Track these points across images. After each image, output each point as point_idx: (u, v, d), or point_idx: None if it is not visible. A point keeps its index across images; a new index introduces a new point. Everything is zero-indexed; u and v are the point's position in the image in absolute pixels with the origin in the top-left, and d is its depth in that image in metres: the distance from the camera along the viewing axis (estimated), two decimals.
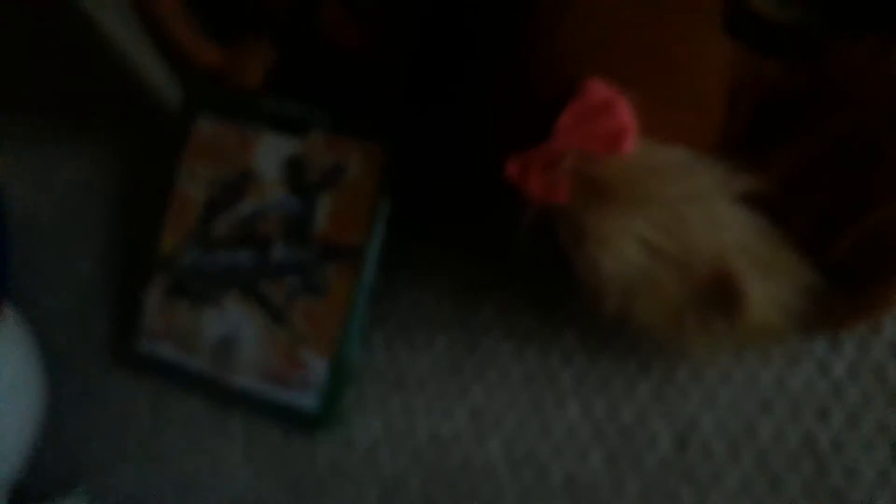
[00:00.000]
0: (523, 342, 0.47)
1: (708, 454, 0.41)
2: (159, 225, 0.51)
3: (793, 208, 0.36)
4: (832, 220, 0.37)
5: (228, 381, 0.48)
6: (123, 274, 0.56)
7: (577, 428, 0.44)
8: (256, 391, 0.47)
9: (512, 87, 0.34)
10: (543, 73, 0.32)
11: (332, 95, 0.49)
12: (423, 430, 0.46)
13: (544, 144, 0.31)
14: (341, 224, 0.47)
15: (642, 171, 0.31)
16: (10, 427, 0.48)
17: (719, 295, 0.36)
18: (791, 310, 0.35)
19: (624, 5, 0.32)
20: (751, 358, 0.43)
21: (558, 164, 0.32)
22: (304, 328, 0.46)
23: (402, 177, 0.47)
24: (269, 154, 0.49)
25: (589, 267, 0.35)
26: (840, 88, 0.37)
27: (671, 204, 0.33)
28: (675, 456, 0.42)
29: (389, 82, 0.53)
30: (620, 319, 0.39)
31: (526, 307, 0.48)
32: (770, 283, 0.36)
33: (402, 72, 0.51)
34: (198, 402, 0.50)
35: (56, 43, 0.51)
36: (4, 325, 0.47)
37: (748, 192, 0.34)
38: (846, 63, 0.37)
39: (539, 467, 0.43)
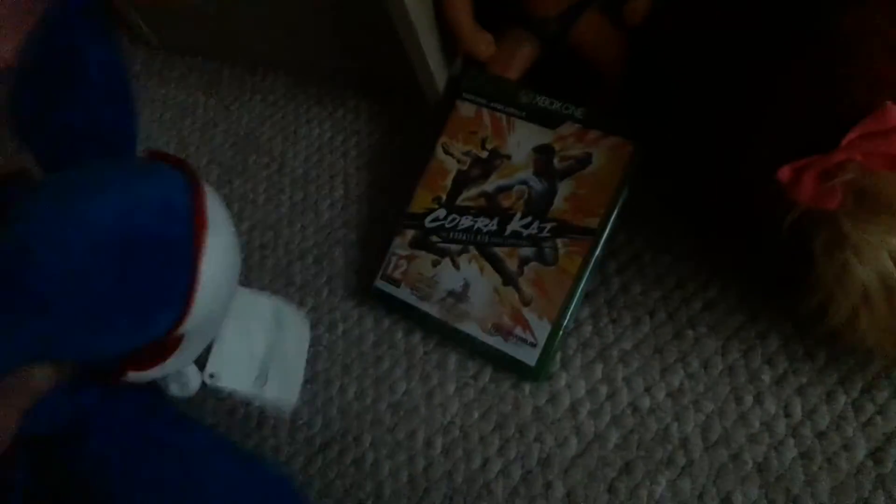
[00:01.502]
0: (728, 340, 0.51)
1: None
2: (411, 188, 0.59)
3: None
4: None
5: (455, 326, 0.55)
6: (361, 224, 0.65)
7: (773, 423, 0.48)
8: (479, 338, 0.54)
9: (797, 106, 0.39)
10: (837, 94, 0.37)
11: (584, 95, 0.56)
12: (623, 399, 0.51)
13: (828, 154, 0.36)
14: (578, 207, 0.53)
15: None
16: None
17: None
18: None
19: None
20: None
21: (836, 175, 0.36)
22: (532, 292, 0.53)
23: (641, 172, 0.52)
24: (521, 140, 0.56)
25: (839, 271, 0.39)
26: None
27: None
28: (871, 465, 0.45)
29: (638, 90, 0.59)
30: (842, 329, 0.43)
31: (733, 309, 0.52)
32: None
33: (650, 81, 0.57)
34: (420, 339, 0.58)
35: (354, 12, 0.59)
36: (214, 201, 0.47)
37: None
38: None
39: (734, 450, 0.48)
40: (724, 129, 0.46)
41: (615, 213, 0.52)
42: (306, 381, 0.59)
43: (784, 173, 0.38)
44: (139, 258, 0.41)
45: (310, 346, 0.60)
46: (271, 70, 0.78)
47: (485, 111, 0.58)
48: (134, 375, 0.48)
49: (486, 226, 0.56)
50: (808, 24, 0.39)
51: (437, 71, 0.59)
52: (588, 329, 0.55)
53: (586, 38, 0.57)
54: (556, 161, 0.55)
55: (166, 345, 0.47)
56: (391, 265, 0.58)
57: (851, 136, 0.36)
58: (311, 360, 0.60)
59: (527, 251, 0.54)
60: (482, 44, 0.58)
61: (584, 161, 0.54)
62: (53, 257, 0.38)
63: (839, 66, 0.37)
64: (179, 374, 0.52)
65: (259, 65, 0.79)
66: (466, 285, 0.55)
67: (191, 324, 0.46)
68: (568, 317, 0.52)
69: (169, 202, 0.43)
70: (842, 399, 0.47)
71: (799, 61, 0.39)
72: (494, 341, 0.54)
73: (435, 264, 0.57)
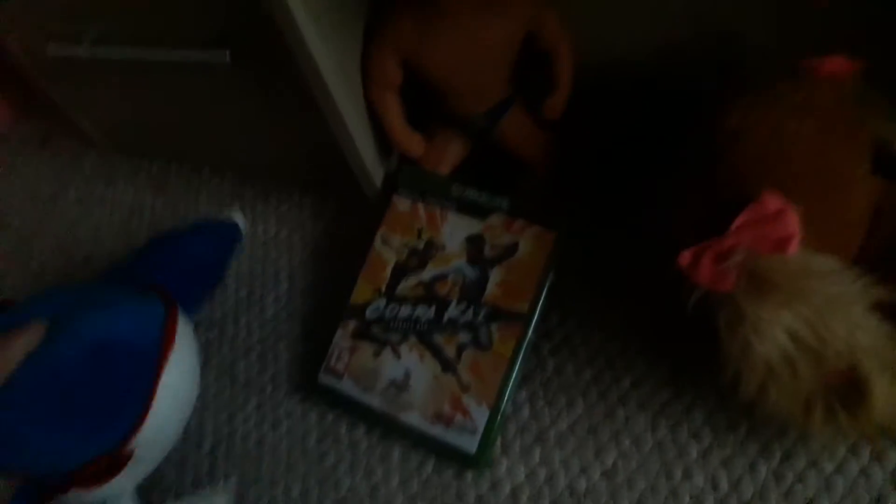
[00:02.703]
0: (656, 416, 0.53)
1: None
2: (353, 278, 0.61)
3: None
4: None
5: (397, 417, 0.56)
6: (305, 318, 0.67)
7: (702, 497, 0.49)
8: (422, 429, 0.55)
9: (692, 195, 0.43)
10: (724, 185, 0.40)
11: (508, 187, 0.59)
12: (561, 482, 0.52)
13: (719, 238, 0.39)
14: (510, 292, 0.56)
15: (801, 272, 0.39)
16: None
17: (847, 389, 0.42)
18: None
19: (799, 134, 0.41)
20: (865, 455, 0.48)
21: (729, 258, 0.39)
22: (470, 378, 0.55)
23: (565, 258, 0.56)
24: (454, 230, 0.59)
25: (740, 348, 0.42)
26: None
27: (819, 303, 0.40)
28: None
29: (550, 181, 0.63)
30: (748, 405, 0.45)
31: (659, 385, 0.54)
32: (894, 384, 0.42)
33: (569, 172, 0.61)
34: (364, 432, 0.58)
35: (292, 116, 0.63)
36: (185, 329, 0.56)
37: (882, 301, 0.41)
38: None
39: None
40: (636, 216, 0.50)
41: (543, 296, 0.55)
42: (252, 482, 0.59)
43: (684, 258, 0.41)
44: (108, 359, 0.47)
45: (254, 447, 0.61)
46: (218, 169, 0.81)
47: (420, 204, 0.61)
48: (75, 495, 0.49)
49: (424, 314, 0.58)
50: (698, 123, 0.44)
51: (374, 168, 0.62)
52: (526, 412, 0.56)
53: (510, 133, 0.61)
54: (486, 249, 0.58)
55: (116, 460, 0.48)
56: (334, 357, 0.60)
57: (738, 222, 0.39)
58: (256, 462, 0.60)
59: (464, 337, 0.56)
60: (413, 143, 0.61)
61: (512, 249, 0.57)
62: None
63: (724, 159, 0.41)
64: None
65: (206, 164, 0.82)
66: (408, 374, 0.57)
67: (143, 436, 0.48)
68: (505, 401, 0.54)
69: (145, 317, 0.51)
70: (763, 469, 0.49)
71: (693, 156, 0.43)
72: (436, 431, 0.54)
73: (376, 354, 0.58)
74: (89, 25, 0.61)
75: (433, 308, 0.57)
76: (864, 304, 0.41)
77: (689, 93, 0.51)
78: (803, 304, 0.40)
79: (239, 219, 0.73)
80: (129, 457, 0.50)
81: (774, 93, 0.41)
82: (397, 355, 0.57)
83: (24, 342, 0.44)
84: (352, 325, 0.60)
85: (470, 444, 0.53)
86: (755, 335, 0.41)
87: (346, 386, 0.58)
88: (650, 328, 0.55)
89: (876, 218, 0.42)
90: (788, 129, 0.40)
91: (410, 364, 0.57)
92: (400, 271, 0.60)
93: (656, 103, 0.57)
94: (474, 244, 0.58)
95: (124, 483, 0.51)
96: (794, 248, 0.38)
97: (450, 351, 0.56)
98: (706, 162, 0.42)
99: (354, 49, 0.56)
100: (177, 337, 0.52)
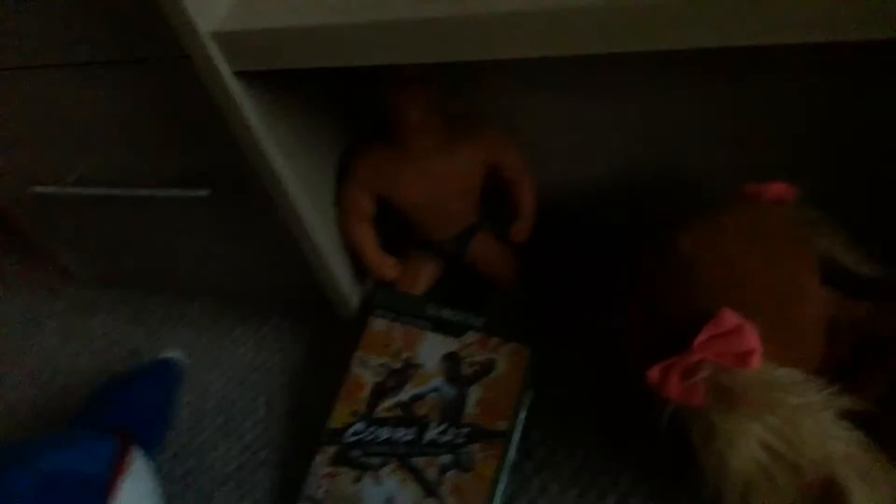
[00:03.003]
0: None
1: None
2: (331, 402, 0.61)
3: (887, 425, 0.43)
4: None
5: None
6: (284, 444, 0.66)
7: None
8: None
9: (654, 313, 0.44)
10: (683, 303, 0.42)
11: (482, 305, 0.61)
12: None
13: (684, 354, 0.41)
14: (489, 411, 0.56)
15: (765, 384, 0.40)
16: None
17: (826, 498, 0.43)
18: None
19: (749, 255, 0.43)
20: None
21: (695, 373, 0.41)
22: (453, 501, 0.54)
23: (541, 374, 0.56)
24: (431, 349, 0.60)
25: (716, 461, 0.42)
26: None
27: (787, 413, 0.41)
28: None
29: (525, 298, 0.65)
30: None
31: (645, 500, 0.54)
32: (872, 489, 0.42)
33: (531, 293, 0.63)
34: None
35: (269, 245, 0.65)
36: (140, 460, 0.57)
37: (849, 409, 0.42)
38: None
39: None
40: (606, 335, 0.51)
41: (522, 414, 0.55)
42: None
43: (653, 374, 0.42)
44: (58, 487, 0.50)
45: None
46: (197, 295, 0.82)
47: (396, 324, 0.62)
48: None
49: (404, 436, 0.57)
50: (655, 244, 0.46)
51: (350, 292, 0.64)
52: None
53: (480, 256, 0.64)
54: (463, 368, 0.58)
55: None
56: (313, 485, 0.58)
57: (700, 338, 0.41)
58: None
59: (445, 458, 0.55)
60: (387, 268, 0.63)
61: (489, 367, 0.57)
62: None
63: (682, 280, 0.43)
64: None
65: (185, 292, 0.83)
66: (390, 500, 0.55)
67: None
68: None
69: (95, 449, 0.54)
70: None
71: (652, 278, 0.45)
72: None
73: (356, 480, 0.57)
74: (73, 167, 0.63)
75: (413, 429, 0.57)
76: (832, 413, 0.42)
77: (641, 217, 0.55)
78: (772, 415, 0.41)
79: (176, 354, 0.72)
80: None
81: (722, 219, 0.44)
82: (378, 481, 0.56)
83: None
84: (330, 450, 0.59)
85: None
86: (728, 447, 0.41)
87: None
88: (629, 442, 0.56)
89: (834, 328, 0.44)
90: (738, 251, 0.42)
91: (392, 489, 0.56)
92: (379, 392, 0.60)
93: (613, 228, 0.60)
94: (451, 363, 0.59)
95: None
96: (756, 361, 0.39)
97: (431, 474, 0.55)
98: (662, 287, 0.44)
99: (329, 184, 0.59)
100: (131, 465, 0.55)
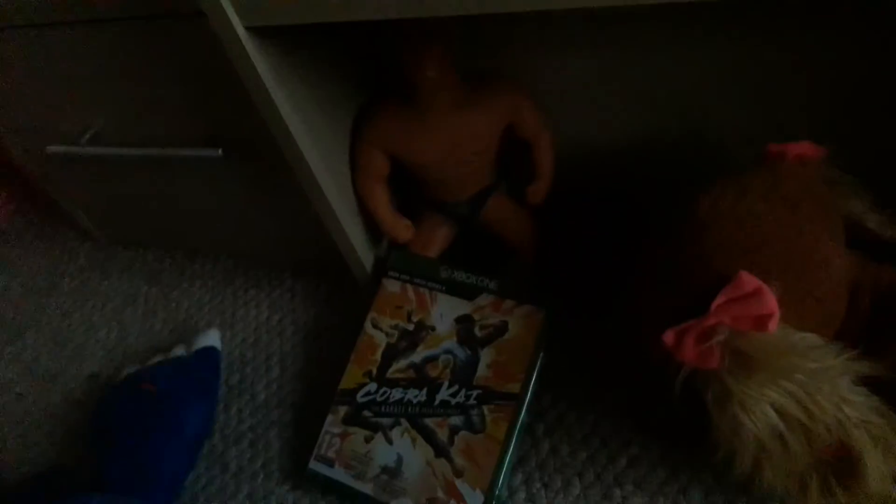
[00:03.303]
0: (653, 496, 0.52)
1: None
2: (344, 363, 0.61)
3: None
4: None
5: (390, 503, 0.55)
6: (296, 403, 0.66)
7: None
8: None
9: (675, 273, 0.43)
10: (701, 266, 0.41)
11: (496, 268, 0.61)
12: None
13: (700, 318, 0.40)
14: (501, 373, 0.56)
15: (782, 348, 0.39)
16: None
17: (840, 464, 0.42)
18: None
19: (769, 216, 0.42)
20: None
21: (711, 337, 0.40)
22: (463, 462, 0.54)
23: (555, 337, 0.56)
24: (444, 312, 0.60)
25: (730, 425, 0.41)
26: None
27: (804, 378, 0.40)
28: None
29: (536, 263, 0.64)
30: (745, 482, 0.44)
31: (656, 464, 0.54)
32: (887, 457, 0.41)
33: (546, 256, 0.63)
34: None
35: (283, 206, 0.64)
36: None
37: (869, 374, 0.41)
38: None
39: None
40: (621, 298, 0.50)
41: (534, 376, 0.55)
42: None
43: (668, 337, 0.42)
44: None
45: None
46: (211, 256, 0.82)
47: (409, 287, 0.62)
48: None
49: (415, 397, 0.57)
50: (673, 208, 0.45)
51: (364, 254, 0.63)
52: (522, 496, 0.55)
53: (494, 218, 0.63)
54: (476, 330, 0.58)
55: None
56: (325, 444, 0.59)
57: (717, 302, 0.40)
58: None
59: (456, 420, 0.56)
60: (401, 229, 0.63)
61: (502, 329, 0.57)
62: None
63: (700, 242, 0.42)
64: None
65: (199, 253, 0.83)
66: (400, 460, 0.56)
67: None
68: (500, 485, 0.53)
69: None
70: None
71: (670, 239, 0.44)
72: None
73: (368, 440, 0.58)
74: (87, 126, 0.63)
75: (425, 391, 0.57)
76: (849, 379, 0.41)
77: (660, 181, 0.54)
78: (788, 381, 0.40)
79: (214, 339, 0.70)
80: None
81: (743, 180, 0.43)
82: (389, 440, 0.57)
83: None
84: (342, 410, 0.59)
85: None
86: (743, 412, 0.40)
87: (338, 473, 0.57)
88: (642, 406, 0.55)
89: (855, 293, 0.43)
90: (758, 212, 0.41)
91: (403, 449, 0.56)
92: (391, 354, 0.60)
93: (633, 191, 0.59)
94: (464, 325, 0.59)
95: None
96: (774, 325, 0.39)
97: (442, 435, 0.55)
98: (679, 248, 0.43)
99: (342, 144, 0.59)
100: None
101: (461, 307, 0.59)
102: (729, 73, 0.56)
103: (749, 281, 0.39)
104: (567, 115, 0.63)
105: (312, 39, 0.52)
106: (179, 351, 0.69)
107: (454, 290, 0.60)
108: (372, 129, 0.57)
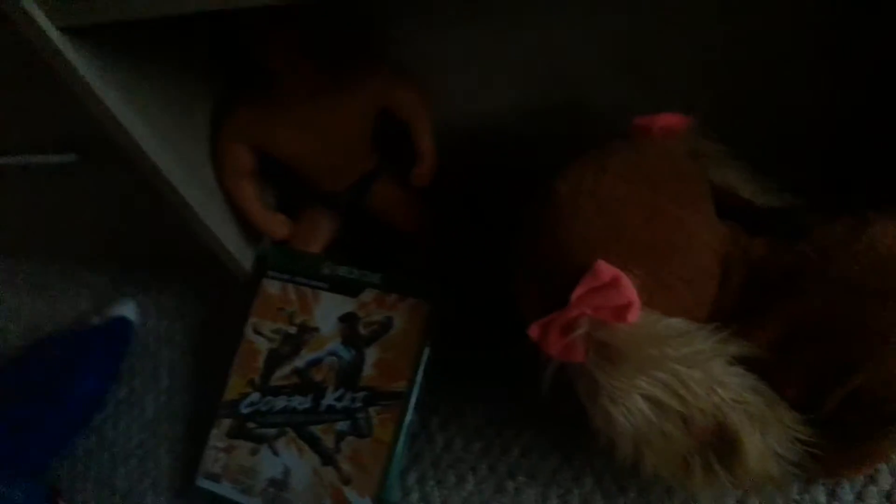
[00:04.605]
0: (546, 485, 0.51)
1: None
2: (226, 372, 0.58)
3: (783, 369, 0.41)
4: (820, 379, 0.41)
5: None
6: (187, 415, 0.63)
7: None
8: None
9: (536, 263, 0.41)
10: (561, 255, 0.39)
11: (383, 260, 0.57)
12: None
13: (562, 310, 0.38)
14: (387, 372, 0.53)
15: (647, 337, 0.37)
16: None
17: (720, 445, 0.41)
18: (787, 460, 0.40)
19: (630, 198, 0.39)
20: None
21: (574, 329, 0.38)
22: (350, 469, 0.51)
23: (442, 329, 0.53)
24: (327, 311, 0.56)
25: (602, 418, 0.40)
26: (819, 265, 0.42)
27: (673, 365, 0.38)
28: None
29: (430, 250, 0.61)
30: (634, 466, 0.43)
31: (548, 452, 0.52)
32: (765, 435, 0.40)
33: (440, 241, 0.60)
34: None
35: (149, 208, 0.60)
36: None
37: (741, 354, 0.40)
38: (820, 244, 0.43)
39: None
40: (498, 287, 0.48)
41: (420, 373, 0.52)
42: None
43: (533, 331, 0.39)
44: None
45: None
46: (95, 262, 0.77)
47: (290, 286, 0.58)
48: None
49: (300, 404, 0.54)
50: (537, 190, 0.42)
51: (241, 252, 0.59)
52: (416, 496, 0.53)
53: (381, 205, 0.60)
54: (360, 328, 0.55)
55: None
56: (210, 459, 0.56)
57: (576, 293, 0.37)
58: None
59: (342, 425, 0.53)
60: (276, 225, 0.59)
61: (387, 325, 0.54)
62: None
63: (559, 230, 0.39)
64: None
65: (82, 259, 0.78)
66: (287, 471, 0.53)
67: None
68: (389, 489, 0.50)
69: None
70: None
71: (532, 227, 0.42)
72: None
73: (254, 452, 0.54)
74: None
75: (309, 397, 0.54)
76: (722, 360, 0.40)
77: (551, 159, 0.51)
78: (657, 370, 0.38)
79: (128, 310, 0.69)
80: None
81: (604, 158, 0.40)
82: (275, 452, 0.54)
83: None
84: (226, 423, 0.56)
85: None
86: (613, 404, 0.39)
87: (225, 489, 0.54)
88: (532, 396, 0.53)
89: (726, 269, 0.41)
90: (618, 195, 0.38)
91: (289, 460, 0.53)
92: (273, 360, 0.56)
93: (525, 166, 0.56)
94: (348, 323, 0.55)
95: None
96: (633, 315, 0.37)
97: (328, 441, 0.53)
98: (540, 236, 0.40)
99: (200, 141, 0.54)
100: None
101: (345, 305, 0.56)
102: (609, 41, 0.53)
103: (606, 270, 0.37)
104: (449, 90, 0.59)
105: (149, 36, 0.47)
106: (94, 320, 0.68)
107: (337, 287, 0.57)
108: (231, 123, 0.53)
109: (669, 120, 0.43)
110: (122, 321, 0.68)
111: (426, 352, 0.53)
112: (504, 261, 0.54)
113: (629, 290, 0.37)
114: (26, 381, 0.64)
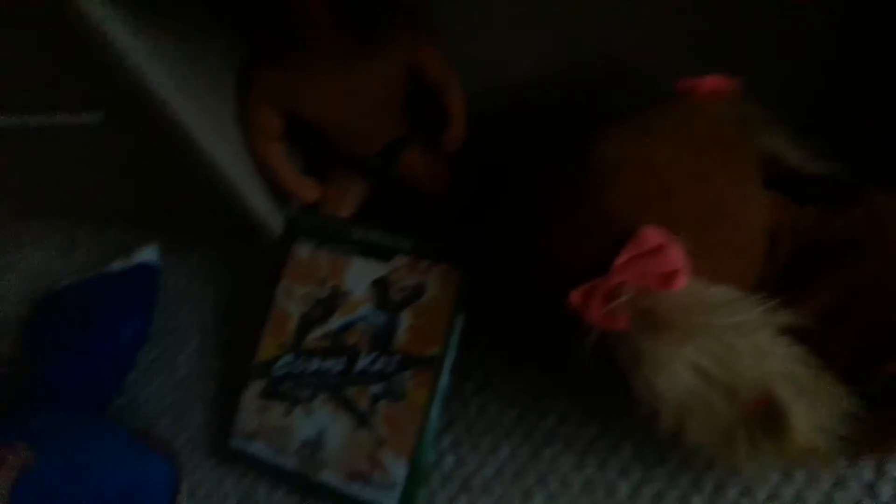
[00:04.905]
0: (583, 454, 0.51)
1: None
2: (259, 335, 0.58)
3: (831, 341, 0.40)
4: (869, 352, 0.40)
5: (314, 477, 0.53)
6: (219, 376, 0.63)
7: None
8: (340, 488, 0.52)
9: (576, 229, 0.40)
10: (603, 220, 0.38)
11: (414, 225, 0.57)
12: None
13: (604, 277, 0.37)
14: (420, 337, 0.53)
15: (692, 305, 0.36)
16: None
17: (765, 417, 0.40)
18: (833, 433, 0.39)
19: (676, 163, 0.38)
20: (799, 478, 0.46)
21: (617, 297, 0.37)
22: (385, 431, 0.51)
23: (475, 295, 0.53)
24: (358, 275, 0.56)
25: (645, 388, 0.39)
26: (870, 234, 0.41)
27: (719, 335, 0.37)
28: None
29: (460, 214, 0.60)
30: (675, 436, 0.43)
31: (585, 420, 0.52)
32: (812, 407, 0.39)
33: (469, 206, 0.59)
34: (283, 494, 0.55)
35: (176, 172, 0.60)
36: None
37: (789, 325, 0.39)
38: (875, 211, 0.41)
39: None
40: (533, 255, 0.47)
41: (454, 338, 0.52)
42: None
43: (574, 297, 0.39)
44: None
45: None
46: (127, 222, 0.77)
47: (321, 251, 0.58)
48: None
49: (334, 366, 0.54)
50: (573, 152, 0.41)
51: (270, 217, 0.59)
52: (450, 460, 0.53)
53: (410, 170, 0.59)
54: (393, 293, 0.55)
55: None
56: (244, 420, 0.56)
57: (620, 259, 0.37)
58: None
59: (376, 388, 0.53)
60: (306, 189, 0.58)
61: (419, 291, 0.54)
62: None
63: (601, 194, 0.38)
64: None
65: (113, 219, 0.78)
66: (321, 432, 0.53)
67: None
68: (424, 451, 0.51)
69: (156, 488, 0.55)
70: (695, 502, 0.47)
71: (571, 190, 0.40)
72: (354, 489, 0.51)
73: (287, 413, 0.55)
74: None
75: (343, 360, 0.54)
76: (769, 331, 0.39)
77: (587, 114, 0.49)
78: (704, 338, 0.37)
79: (151, 255, 0.70)
80: None
81: (648, 121, 0.39)
82: (309, 413, 0.54)
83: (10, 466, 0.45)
84: (260, 384, 0.56)
85: (390, 500, 0.50)
86: (656, 374, 0.38)
87: (259, 448, 0.55)
88: (568, 363, 0.53)
89: (774, 238, 0.40)
90: (664, 159, 0.37)
91: (323, 421, 0.54)
92: (306, 324, 0.56)
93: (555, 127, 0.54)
94: (380, 288, 0.55)
95: None
96: (680, 282, 0.36)
97: (363, 404, 0.53)
98: (580, 200, 0.39)
99: (229, 101, 0.53)
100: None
101: (377, 270, 0.56)
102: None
103: (652, 236, 0.36)
104: (474, 51, 0.57)
105: None
106: (117, 266, 0.69)
107: (369, 252, 0.56)
108: (261, 85, 0.52)
109: (714, 83, 0.41)
110: (145, 266, 0.70)
111: (459, 318, 0.52)
112: (533, 229, 0.53)
113: (676, 256, 0.36)
114: (68, 323, 0.65)
